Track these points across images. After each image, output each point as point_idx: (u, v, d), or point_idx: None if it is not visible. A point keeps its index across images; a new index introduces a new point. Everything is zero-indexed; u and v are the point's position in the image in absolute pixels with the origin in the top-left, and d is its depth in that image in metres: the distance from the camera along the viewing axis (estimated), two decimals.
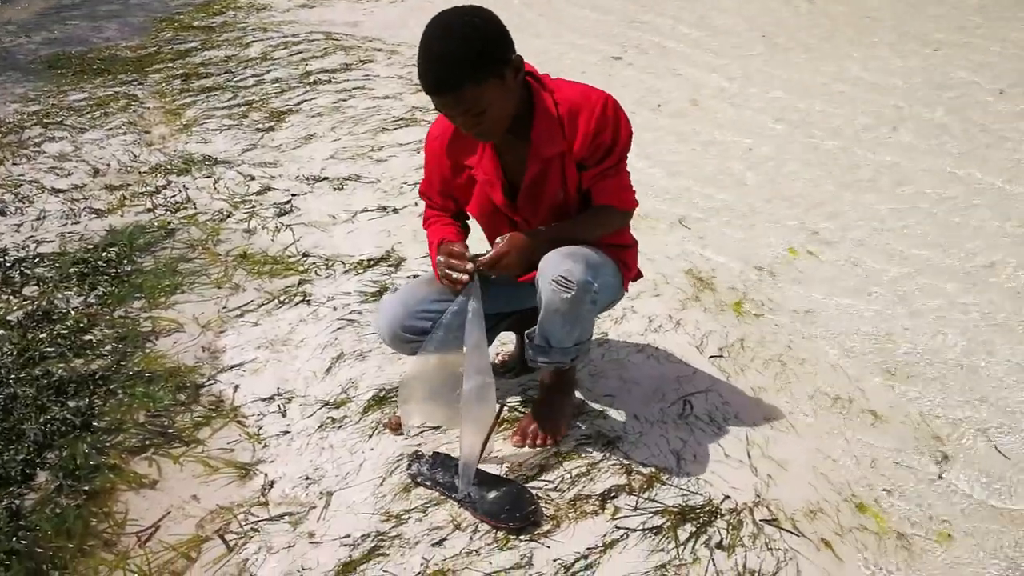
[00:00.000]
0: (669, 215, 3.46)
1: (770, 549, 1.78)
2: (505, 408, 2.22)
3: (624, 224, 2.03)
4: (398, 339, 2.01)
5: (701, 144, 4.28)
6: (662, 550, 1.77)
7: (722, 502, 1.90)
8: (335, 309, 2.83)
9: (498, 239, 1.86)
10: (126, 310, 2.90)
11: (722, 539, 1.80)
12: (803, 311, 2.73)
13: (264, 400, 2.39)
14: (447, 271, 1.85)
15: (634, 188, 1.97)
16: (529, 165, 1.85)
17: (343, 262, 3.17)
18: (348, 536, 1.86)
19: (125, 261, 3.25)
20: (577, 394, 2.24)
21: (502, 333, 2.32)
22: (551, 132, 1.80)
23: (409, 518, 1.90)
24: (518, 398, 2.29)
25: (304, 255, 3.26)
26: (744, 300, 2.80)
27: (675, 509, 1.88)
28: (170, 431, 2.28)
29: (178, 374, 2.52)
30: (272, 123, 4.90)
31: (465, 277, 1.81)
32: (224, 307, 2.92)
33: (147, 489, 2.08)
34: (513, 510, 1.84)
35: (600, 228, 1.96)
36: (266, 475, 2.10)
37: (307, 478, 2.07)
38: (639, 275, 2.15)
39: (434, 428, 2.19)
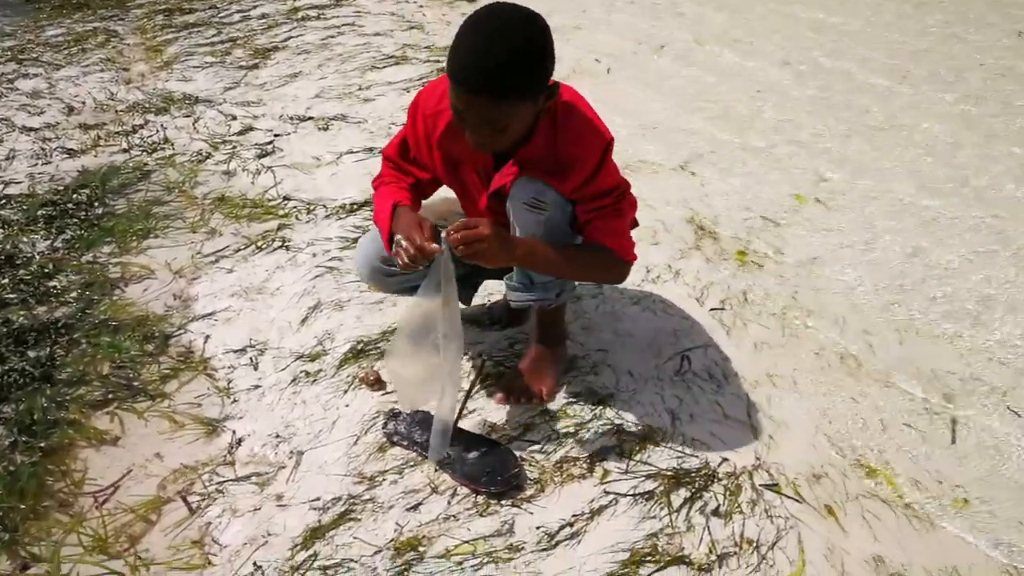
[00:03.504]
0: (671, 159, 3.27)
1: (770, 517, 1.66)
2: (488, 362, 2.08)
3: (617, 278, 1.88)
4: (378, 272, 1.92)
5: (705, 87, 4.07)
6: (654, 517, 1.65)
7: (719, 465, 1.78)
8: (314, 255, 2.68)
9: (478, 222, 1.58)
10: (95, 255, 2.75)
11: (719, 505, 1.68)
12: (809, 261, 2.58)
13: (235, 352, 2.25)
14: (405, 247, 1.58)
15: (634, 240, 1.83)
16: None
17: (325, 206, 3.01)
18: (318, 499, 1.74)
19: (96, 204, 3.09)
20: (567, 348, 2.11)
21: (487, 282, 2.18)
22: (539, 161, 1.66)
23: (383, 480, 1.77)
24: (504, 352, 2.15)
25: (285, 198, 3.10)
26: (747, 249, 2.65)
27: (669, 473, 1.75)
28: (135, 384, 2.14)
29: (146, 323, 2.38)
30: (257, 60, 4.70)
31: (433, 247, 1.56)
32: (198, 252, 2.76)
33: (108, 446, 1.95)
34: (495, 473, 1.72)
35: (588, 267, 1.80)
36: (234, 432, 1.97)
37: (277, 436, 1.93)
38: (635, 223, 1.98)
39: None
